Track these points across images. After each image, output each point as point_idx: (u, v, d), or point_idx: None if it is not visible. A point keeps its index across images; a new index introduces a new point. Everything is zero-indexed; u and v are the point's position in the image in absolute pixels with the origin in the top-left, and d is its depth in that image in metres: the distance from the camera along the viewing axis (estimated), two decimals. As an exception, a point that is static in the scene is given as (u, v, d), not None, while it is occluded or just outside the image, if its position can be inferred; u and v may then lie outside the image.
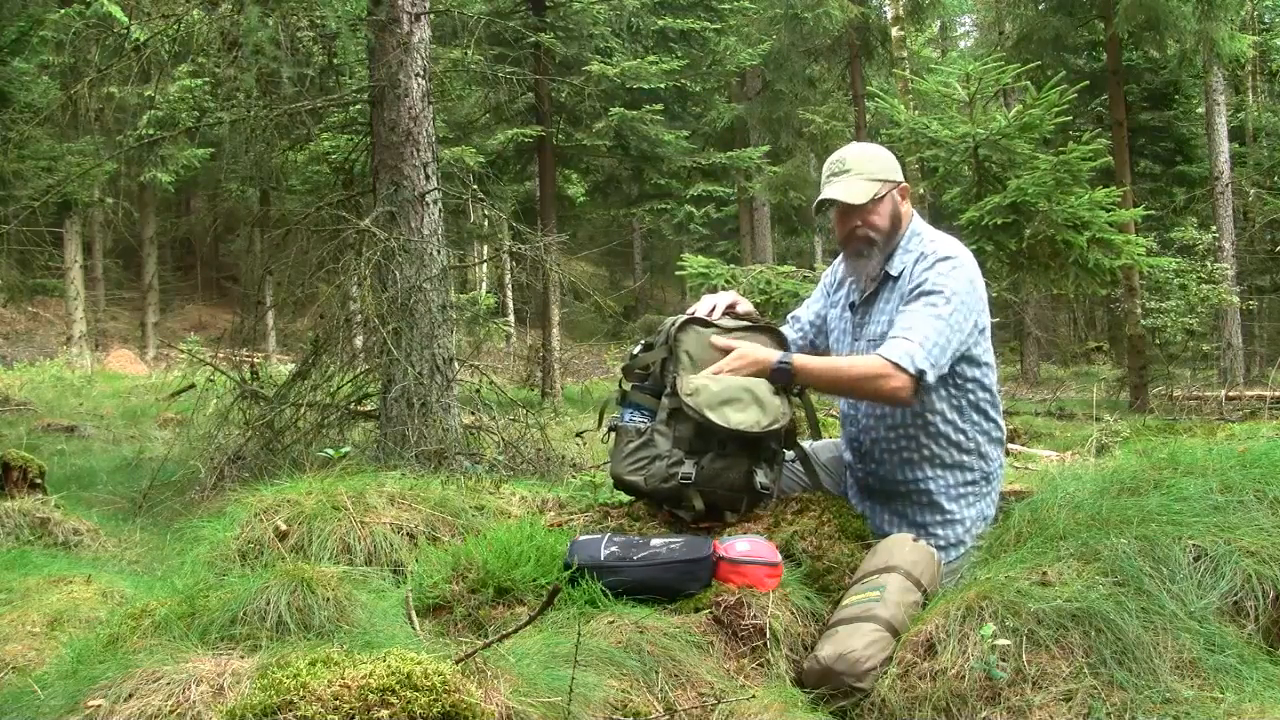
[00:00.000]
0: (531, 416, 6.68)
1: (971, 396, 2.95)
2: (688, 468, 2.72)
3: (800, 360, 2.86)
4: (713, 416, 2.70)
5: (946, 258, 2.91)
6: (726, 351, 2.87)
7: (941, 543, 2.92)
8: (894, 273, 2.99)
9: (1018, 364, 22.53)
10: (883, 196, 2.97)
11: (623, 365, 3.01)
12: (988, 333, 3.00)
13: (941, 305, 2.83)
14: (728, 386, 2.76)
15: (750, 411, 2.74)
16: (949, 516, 2.94)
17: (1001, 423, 3.05)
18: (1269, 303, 21.04)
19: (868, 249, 3.00)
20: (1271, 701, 1.99)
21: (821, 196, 2.99)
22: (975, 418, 2.96)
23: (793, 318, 3.36)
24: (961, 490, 2.96)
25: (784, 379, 2.82)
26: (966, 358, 2.92)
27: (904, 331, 2.81)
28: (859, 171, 2.97)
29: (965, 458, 2.96)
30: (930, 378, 2.78)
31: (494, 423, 6.49)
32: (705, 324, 2.90)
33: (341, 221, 6.56)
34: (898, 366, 2.75)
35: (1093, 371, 21.90)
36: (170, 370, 15.52)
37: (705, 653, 2.33)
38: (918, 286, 2.89)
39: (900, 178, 3.04)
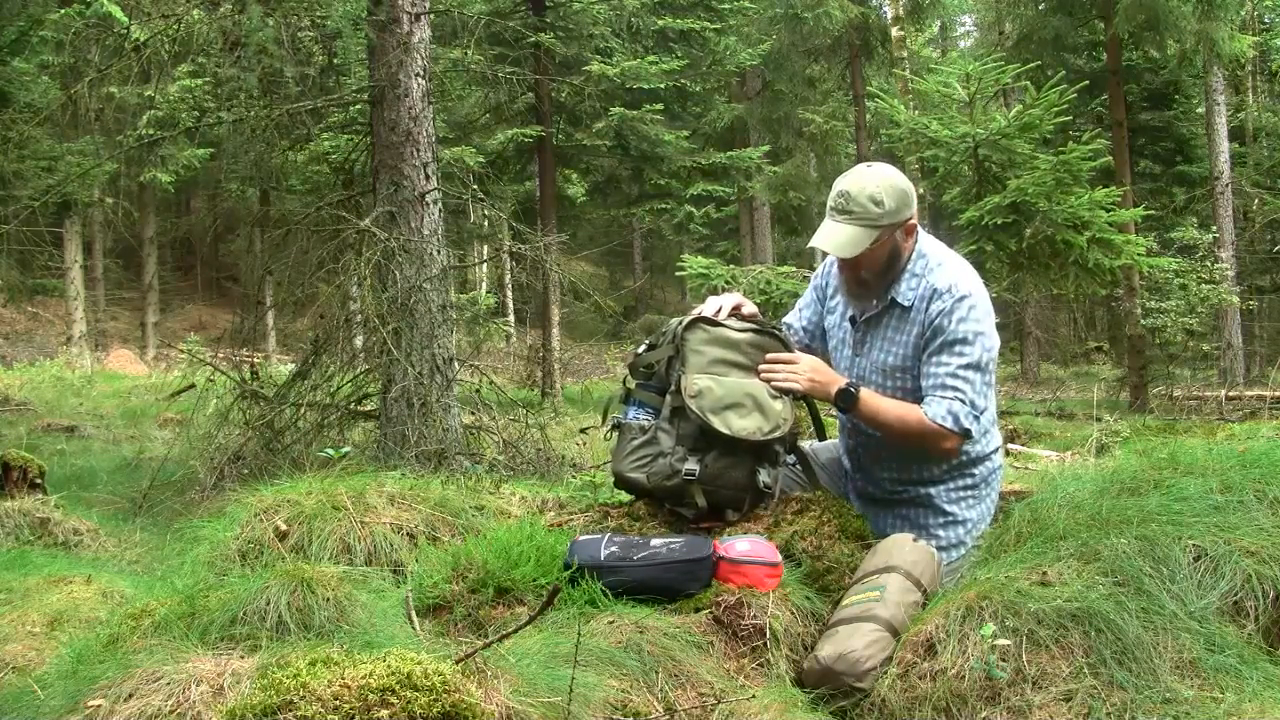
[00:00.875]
0: (531, 416, 6.68)
1: None
2: (692, 464, 2.72)
3: (866, 393, 2.86)
4: (715, 421, 2.70)
5: (963, 297, 2.85)
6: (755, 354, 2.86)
7: (943, 543, 2.92)
8: (903, 301, 2.91)
9: (1018, 364, 22.54)
10: (881, 242, 2.85)
11: (628, 363, 3.00)
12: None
13: (969, 351, 2.83)
14: (731, 390, 2.75)
15: (752, 418, 2.74)
16: (952, 518, 2.95)
17: (997, 428, 3.05)
18: (1269, 303, 21.04)
19: (860, 290, 2.97)
20: (1271, 701, 1.99)
21: (813, 242, 2.92)
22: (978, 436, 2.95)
23: (784, 324, 3.28)
24: (962, 494, 2.96)
25: (847, 403, 2.84)
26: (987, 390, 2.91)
27: (941, 387, 2.82)
28: (859, 216, 2.82)
29: (965, 468, 2.96)
30: (975, 432, 2.83)
31: (494, 423, 6.49)
32: (712, 324, 2.88)
33: (341, 221, 6.56)
34: (942, 427, 2.79)
35: (1093, 371, 21.90)
36: (170, 370, 15.54)
37: (705, 653, 2.33)
38: (942, 335, 2.84)
39: (907, 215, 2.87)
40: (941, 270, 2.91)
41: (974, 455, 2.96)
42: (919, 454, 2.94)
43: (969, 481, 2.97)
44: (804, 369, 2.84)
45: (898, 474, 2.98)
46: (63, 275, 18.41)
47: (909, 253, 2.94)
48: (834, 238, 2.87)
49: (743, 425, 2.72)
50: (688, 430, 2.75)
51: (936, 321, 2.86)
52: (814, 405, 3.04)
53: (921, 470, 2.96)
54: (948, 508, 2.95)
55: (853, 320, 3.07)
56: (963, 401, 2.80)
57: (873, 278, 2.93)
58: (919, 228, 2.99)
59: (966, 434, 2.81)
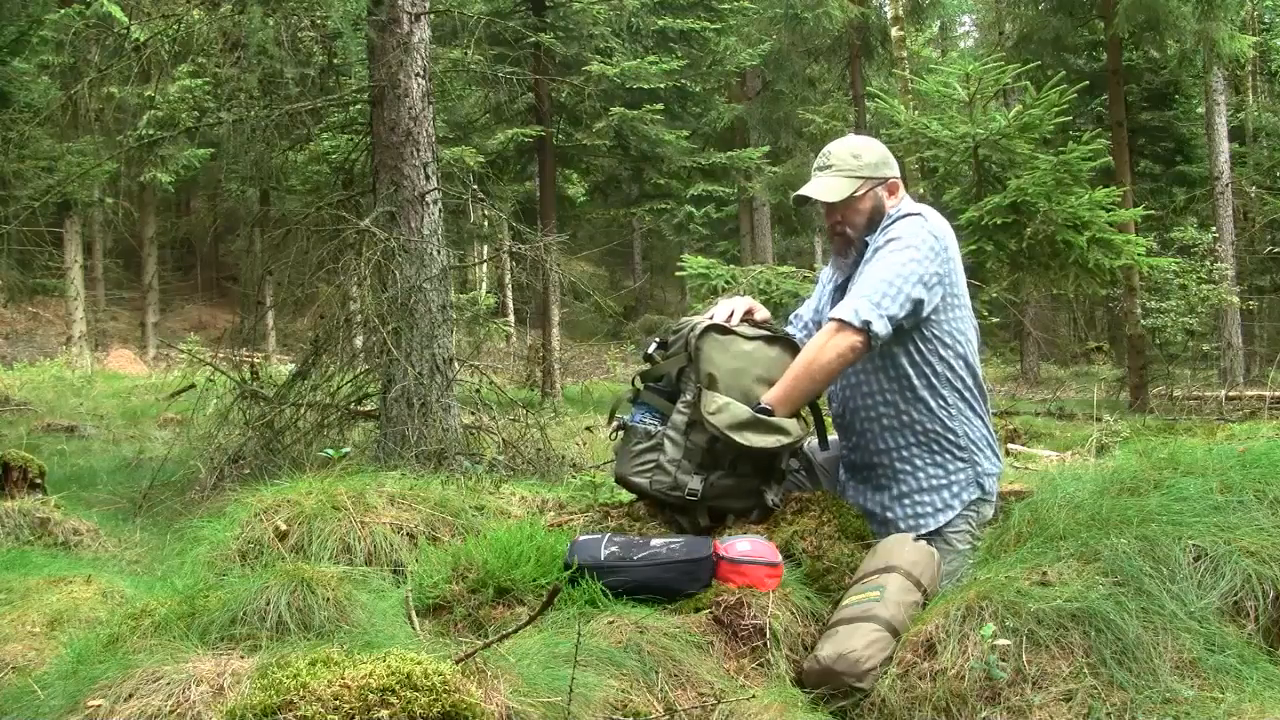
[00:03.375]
0: (531, 416, 6.67)
1: (945, 355, 2.92)
2: (696, 483, 2.72)
3: (769, 396, 2.79)
4: (734, 436, 2.68)
5: (908, 215, 2.92)
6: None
7: (928, 509, 2.92)
8: (871, 243, 2.98)
9: (1018, 364, 22.53)
10: (863, 194, 2.95)
11: (640, 371, 2.99)
12: (962, 294, 2.96)
13: (892, 255, 2.83)
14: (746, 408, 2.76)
15: (770, 437, 2.73)
16: (935, 481, 2.93)
17: (983, 390, 3.03)
18: (1269, 303, 21.04)
19: (844, 247, 3.03)
20: (1271, 701, 1.99)
21: (799, 191, 3.02)
22: (951, 379, 2.94)
23: (795, 316, 3.34)
24: (944, 458, 2.94)
25: (769, 414, 2.77)
26: (933, 318, 2.89)
27: (853, 291, 2.83)
28: (841, 167, 2.97)
29: (948, 420, 2.93)
30: (879, 328, 2.75)
31: (494, 423, 6.49)
32: (725, 330, 2.87)
33: (341, 221, 6.56)
34: (842, 323, 2.75)
35: (1093, 371, 21.89)
36: (170, 370, 15.52)
37: (705, 653, 2.33)
38: (874, 244, 2.91)
39: (889, 173, 3.00)
40: (907, 210, 2.97)
41: (956, 411, 2.94)
42: (897, 405, 2.93)
43: (953, 439, 2.93)
44: None
45: (879, 425, 2.96)
46: (63, 275, 18.40)
47: (890, 210, 2.99)
48: (818, 186, 2.99)
49: (760, 441, 2.71)
50: (697, 444, 2.74)
51: (877, 240, 2.91)
52: (818, 410, 3.04)
53: (901, 415, 2.93)
54: (931, 470, 2.93)
55: (839, 289, 3.09)
56: (867, 300, 2.76)
57: (856, 234, 2.99)
58: (904, 191, 3.05)
59: (866, 327, 2.73)
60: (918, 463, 2.95)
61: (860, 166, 2.96)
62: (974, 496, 2.94)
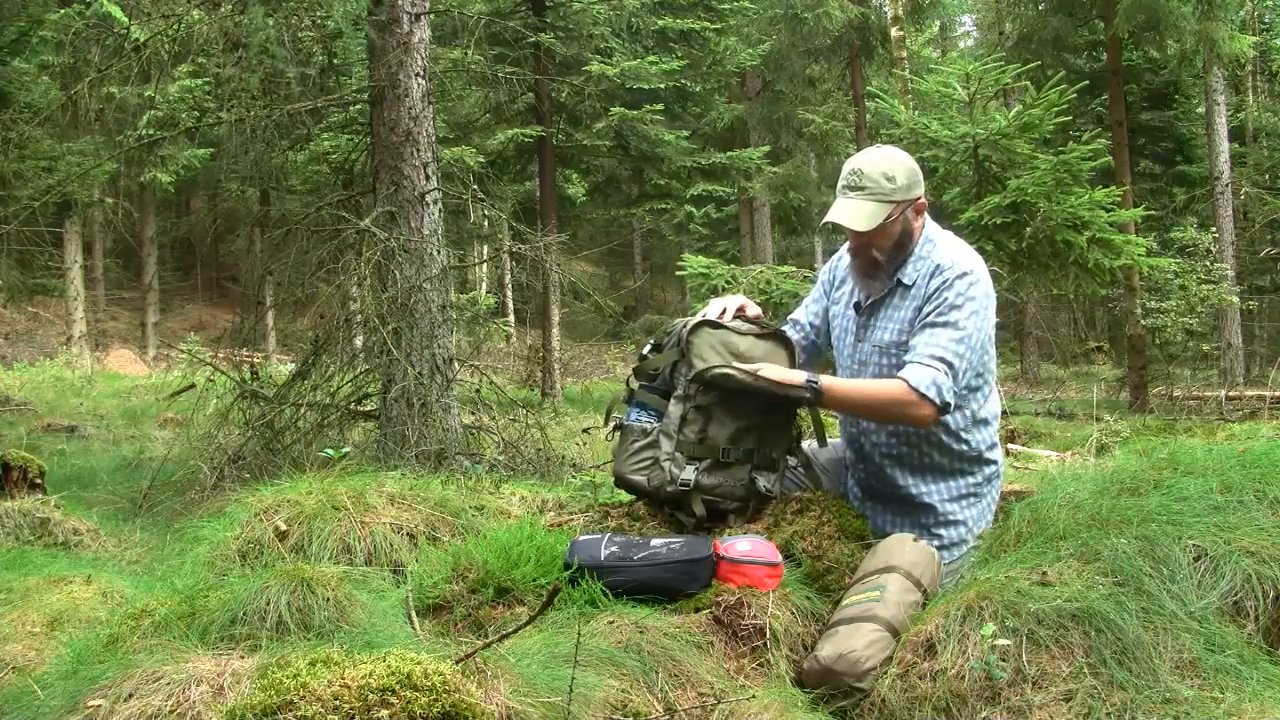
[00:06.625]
0: (531, 416, 6.67)
1: (974, 407, 2.94)
2: (689, 474, 2.73)
3: (827, 381, 2.81)
4: (733, 364, 2.74)
5: (964, 274, 2.86)
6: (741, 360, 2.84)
7: (943, 542, 2.92)
8: (906, 281, 2.93)
9: (1018, 364, 22.53)
10: (894, 219, 2.87)
11: (634, 367, 3.01)
12: (993, 341, 2.99)
13: (963, 325, 2.80)
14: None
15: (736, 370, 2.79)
16: (950, 517, 2.94)
17: (997, 426, 3.05)
18: (1269, 303, 21.04)
19: (873, 270, 2.96)
20: (1271, 701, 1.99)
21: (828, 217, 2.91)
22: (977, 427, 2.95)
23: (791, 320, 3.31)
24: (963, 492, 2.96)
25: (811, 398, 2.77)
26: (973, 372, 2.91)
27: (928, 357, 2.77)
28: (874, 191, 2.86)
29: (966, 464, 2.95)
30: (952, 406, 2.79)
31: (494, 423, 6.49)
32: (717, 326, 2.88)
33: (341, 221, 6.56)
34: (924, 396, 2.72)
35: (1093, 371, 21.88)
36: (170, 370, 15.53)
37: (705, 653, 2.33)
38: (937, 306, 2.83)
39: (919, 193, 2.92)
40: (944, 249, 2.93)
41: (976, 454, 2.95)
42: (920, 449, 2.93)
43: (971, 482, 2.96)
44: (764, 378, 2.77)
45: (900, 465, 2.97)
46: (63, 275, 18.40)
47: (919, 234, 2.95)
48: (849, 212, 2.88)
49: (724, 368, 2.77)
50: (689, 436, 2.76)
51: (936, 296, 2.86)
52: (816, 409, 3.03)
53: (923, 458, 2.94)
54: (948, 506, 2.94)
55: (857, 306, 3.07)
56: (948, 375, 2.76)
57: (885, 257, 2.93)
58: (926, 213, 3.01)
59: (945, 408, 2.77)
60: (938, 502, 2.94)
61: (894, 190, 2.86)
62: (983, 528, 2.94)
